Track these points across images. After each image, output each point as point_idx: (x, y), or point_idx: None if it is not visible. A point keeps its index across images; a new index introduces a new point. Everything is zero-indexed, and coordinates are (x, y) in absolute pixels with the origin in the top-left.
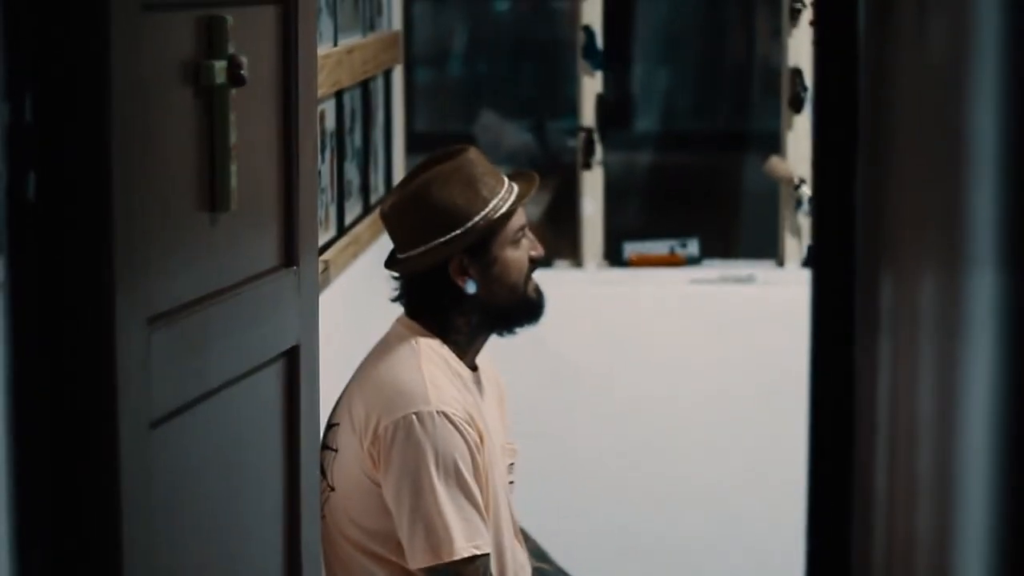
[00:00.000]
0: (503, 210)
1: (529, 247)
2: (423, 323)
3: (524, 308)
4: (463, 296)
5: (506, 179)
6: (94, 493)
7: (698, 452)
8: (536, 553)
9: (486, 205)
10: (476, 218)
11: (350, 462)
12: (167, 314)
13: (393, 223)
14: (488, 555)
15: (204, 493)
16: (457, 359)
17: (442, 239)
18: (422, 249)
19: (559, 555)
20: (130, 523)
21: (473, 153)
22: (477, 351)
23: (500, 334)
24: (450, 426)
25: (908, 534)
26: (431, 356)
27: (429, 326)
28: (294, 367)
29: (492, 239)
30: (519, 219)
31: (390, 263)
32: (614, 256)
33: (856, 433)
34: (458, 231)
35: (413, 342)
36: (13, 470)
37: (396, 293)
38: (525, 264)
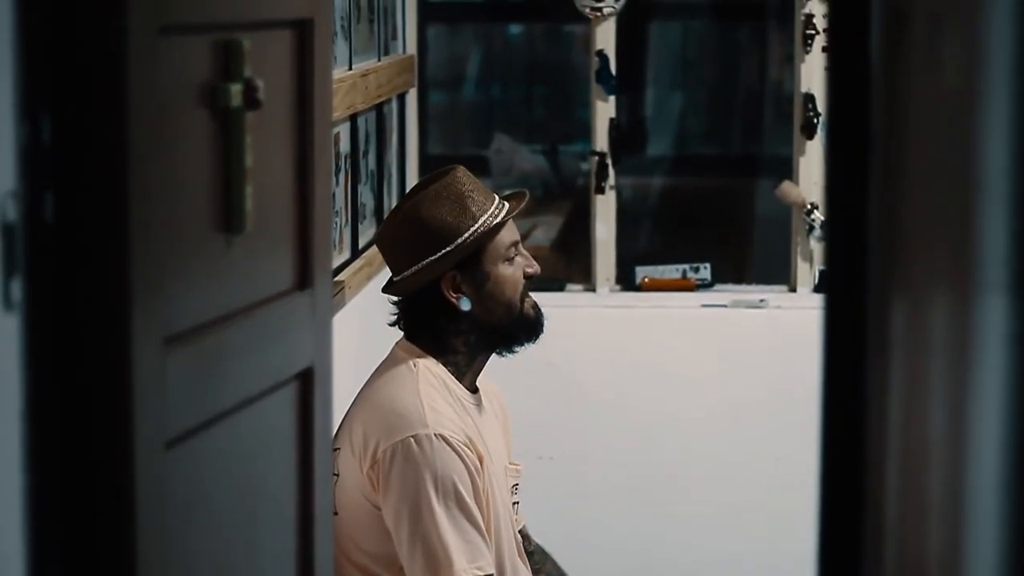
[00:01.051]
0: (492, 224)
1: (523, 264)
2: (421, 345)
3: (521, 325)
4: (459, 314)
5: (495, 196)
6: (109, 513)
7: (709, 475)
8: (555, 575)
9: (475, 221)
10: (466, 234)
11: (351, 486)
12: (183, 335)
13: (387, 246)
14: (490, 574)
15: (218, 513)
16: (456, 381)
17: (433, 257)
18: (415, 268)
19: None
20: (145, 543)
21: (461, 172)
22: (477, 372)
23: (499, 353)
24: (448, 449)
25: (919, 558)
26: (429, 379)
27: (427, 348)
28: (308, 389)
29: (483, 255)
30: (510, 235)
31: (387, 287)
32: (626, 280)
33: (867, 457)
34: (449, 248)
35: (411, 364)
36: (28, 490)
37: (393, 318)
38: (520, 281)
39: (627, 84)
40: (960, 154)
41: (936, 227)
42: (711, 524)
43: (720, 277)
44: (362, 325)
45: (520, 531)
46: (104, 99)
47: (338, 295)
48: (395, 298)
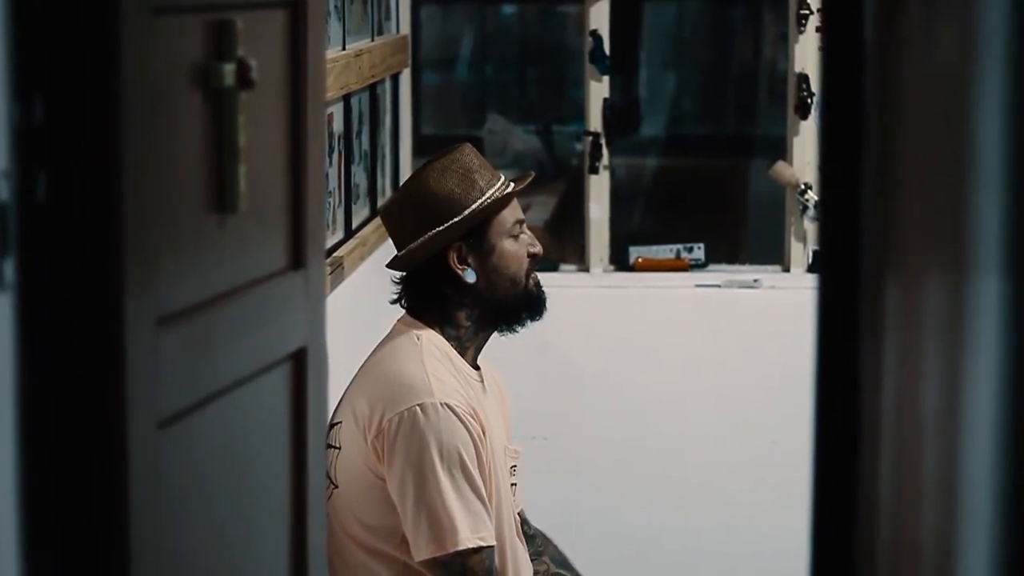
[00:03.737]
0: (500, 199)
1: (528, 243)
2: (425, 319)
3: (524, 302)
4: (463, 286)
5: (501, 174)
6: (102, 493)
7: (703, 454)
8: (558, 560)
9: (482, 194)
10: (474, 205)
11: (354, 458)
12: (176, 315)
13: (393, 219)
14: (493, 547)
15: (211, 493)
16: (459, 356)
17: (441, 227)
18: (421, 240)
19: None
20: (138, 523)
21: (468, 148)
22: (479, 349)
23: (502, 331)
24: (454, 417)
25: (913, 536)
26: (433, 351)
27: (431, 322)
28: (301, 369)
29: (489, 228)
30: (516, 211)
31: (392, 262)
32: (620, 260)
33: (861, 437)
34: (456, 219)
35: (415, 336)
36: (21, 471)
37: (395, 296)
38: (524, 258)
39: (621, 64)
40: (953, 134)
41: (929, 206)
42: (705, 503)
43: (713, 257)
44: (356, 305)
45: (519, 514)
46: (97, 79)
47: (332, 275)
48: (399, 274)
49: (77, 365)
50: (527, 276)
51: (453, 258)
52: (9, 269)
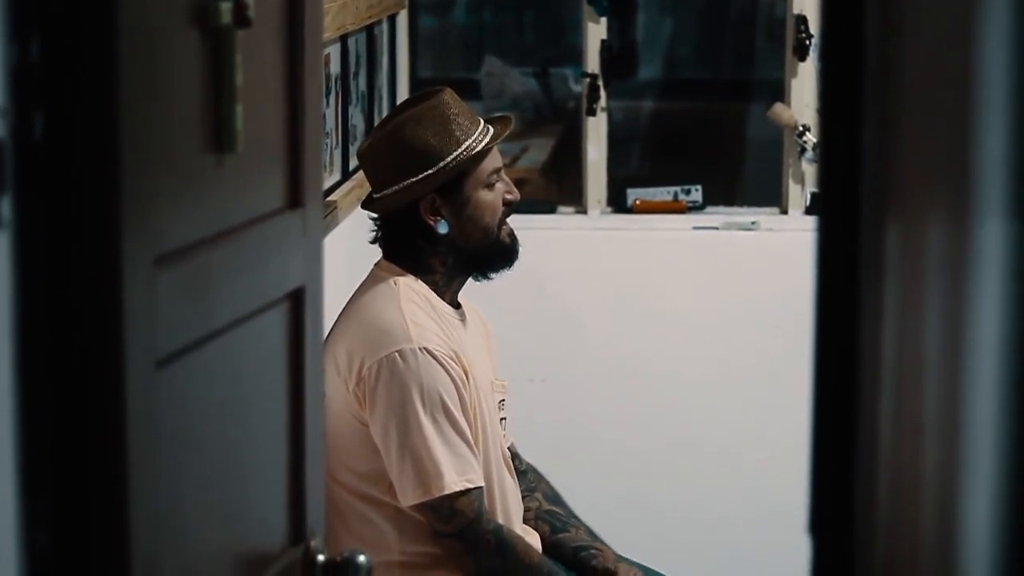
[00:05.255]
0: (477, 150)
1: (504, 190)
2: (401, 264)
3: (496, 252)
4: (436, 236)
5: (481, 121)
6: (99, 432)
7: (699, 397)
8: (550, 496)
9: (459, 145)
10: (448, 158)
11: (337, 405)
12: (174, 254)
13: (368, 163)
14: (481, 488)
15: (209, 432)
16: (437, 297)
17: (415, 178)
18: (395, 188)
19: None
20: (135, 462)
21: (448, 95)
22: (456, 291)
23: (475, 278)
24: (434, 362)
25: (913, 477)
26: (410, 295)
27: (406, 267)
28: (299, 308)
29: (465, 179)
30: (493, 161)
31: (367, 203)
32: (618, 202)
33: (861, 379)
34: (431, 171)
35: (392, 282)
36: (18, 409)
37: (372, 235)
38: (499, 207)
39: (618, 6)
40: (955, 73)
41: (930, 147)
42: (702, 445)
43: (711, 199)
44: (352, 246)
45: (509, 448)
46: (93, 17)
47: (329, 216)
48: (374, 215)
49: (75, 304)
50: (499, 226)
51: (425, 210)
52: (6, 208)
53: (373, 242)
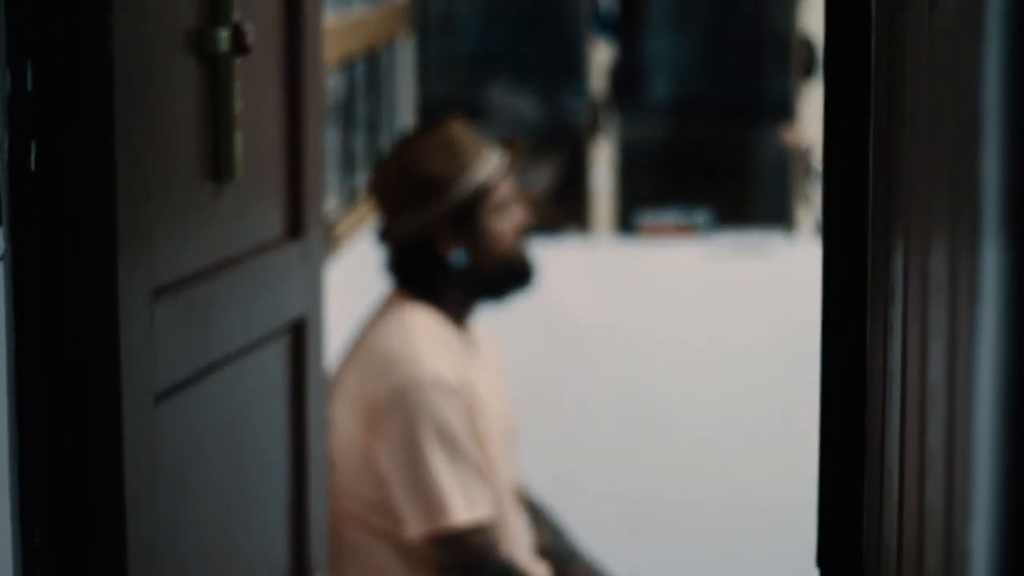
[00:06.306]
0: (486, 178)
1: (517, 214)
2: (412, 292)
3: (514, 276)
4: (451, 267)
5: (491, 149)
6: (98, 467)
7: (709, 419)
8: (556, 529)
9: (468, 173)
10: (457, 185)
11: (345, 433)
12: (171, 286)
13: (379, 193)
14: (489, 521)
15: (209, 466)
16: (447, 325)
17: (424, 207)
18: (406, 218)
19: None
20: (134, 497)
21: (456, 124)
22: (468, 317)
23: (491, 301)
24: (443, 392)
25: (919, 500)
26: (423, 324)
27: (418, 295)
28: (300, 339)
29: (478, 207)
30: (506, 187)
31: (380, 235)
32: (625, 225)
33: (868, 400)
34: (439, 199)
35: (404, 311)
36: (17, 444)
37: (386, 264)
38: (513, 233)
39: (626, 28)
40: (959, 96)
41: (935, 169)
42: (712, 468)
43: (719, 221)
44: (355, 273)
45: (516, 481)
46: (88, 45)
47: (330, 243)
48: (388, 245)
49: (71, 337)
50: (515, 251)
51: (439, 240)
52: (1, 239)
53: (386, 272)
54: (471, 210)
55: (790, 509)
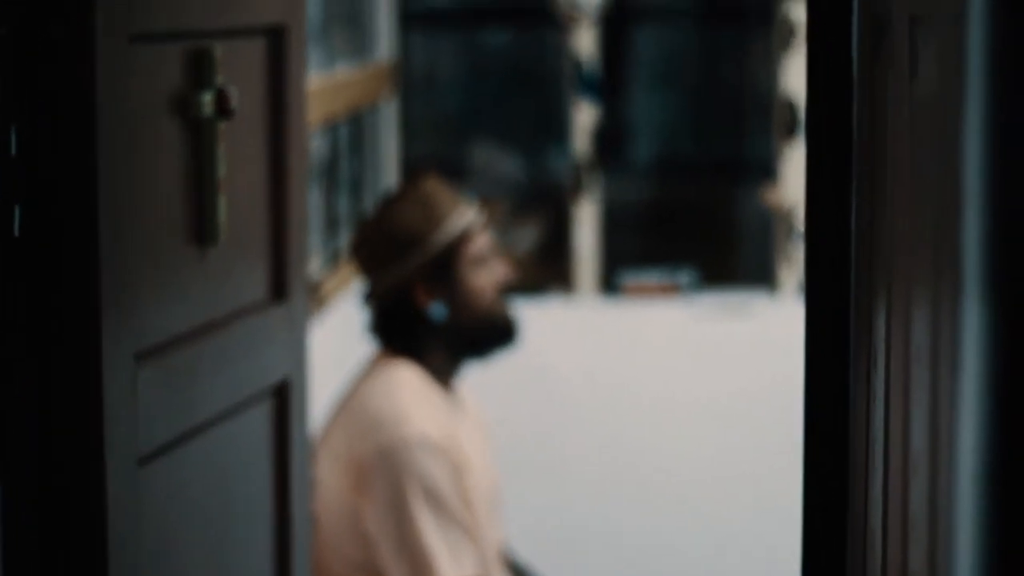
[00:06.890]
0: (461, 230)
1: (497, 270)
2: (398, 351)
3: (495, 332)
4: (432, 321)
5: (468, 204)
6: (81, 531)
7: (694, 480)
8: None
9: (441, 226)
10: (432, 238)
11: (332, 492)
12: (155, 349)
13: (359, 254)
14: None
15: (193, 529)
16: (434, 384)
17: (400, 261)
18: (382, 274)
19: None
20: (117, 561)
21: (431, 180)
22: (454, 375)
23: (474, 359)
24: (429, 451)
25: (903, 565)
26: (409, 383)
27: (404, 353)
28: (284, 402)
29: (454, 259)
30: (483, 241)
31: (364, 297)
32: (609, 285)
33: (851, 463)
34: (414, 251)
35: (390, 370)
36: (1, 509)
37: (370, 325)
38: (493, 288)
39: (609, 89)
40: (940, 159)
41: (918, 232)
42: (697, 527)
43: (703, 281)
44: (339, 333)
45: (500, 543)
46: (72, 110)
47: (315, 303)
48: (370, 307)
49: (55, 401)
50: (496, 306)
51: (418, 294)
52: None
53: (371, 334)
54: (448, 262)
55: (774, 570)
